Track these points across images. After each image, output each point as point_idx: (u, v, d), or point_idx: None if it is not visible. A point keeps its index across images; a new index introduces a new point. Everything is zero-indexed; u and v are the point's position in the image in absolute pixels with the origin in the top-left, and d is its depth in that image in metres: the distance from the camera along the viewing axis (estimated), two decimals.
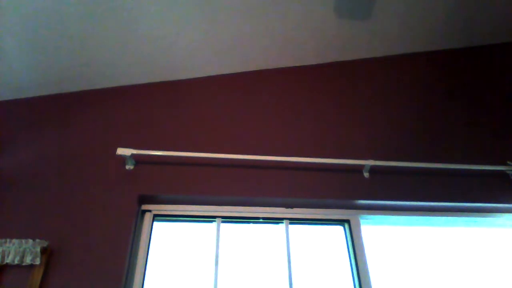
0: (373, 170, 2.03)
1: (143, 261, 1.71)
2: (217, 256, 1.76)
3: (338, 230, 1.98)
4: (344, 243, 1.93)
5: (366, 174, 2.03)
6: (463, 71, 2.55)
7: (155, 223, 1.87)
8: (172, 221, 1.91)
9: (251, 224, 1.94)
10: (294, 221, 1.95)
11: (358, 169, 2.03)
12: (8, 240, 1.58)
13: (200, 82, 2.31)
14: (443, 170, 2.06)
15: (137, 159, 1.92)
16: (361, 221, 1.98)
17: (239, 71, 2.35)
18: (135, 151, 1.86)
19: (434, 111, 2.36)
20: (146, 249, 1.75)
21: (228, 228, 1.90)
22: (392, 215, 2.02)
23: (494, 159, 2.13)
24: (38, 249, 1.57)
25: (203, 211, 1.90)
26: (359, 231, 1.93)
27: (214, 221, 1.89)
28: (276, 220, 1.95)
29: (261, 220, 1.94)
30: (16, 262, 1.53)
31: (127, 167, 1.91)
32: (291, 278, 1.74)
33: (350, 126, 2.23)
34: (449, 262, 1.97)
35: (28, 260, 1.54)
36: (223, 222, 1.90)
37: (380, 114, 2.30)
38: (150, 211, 1.87)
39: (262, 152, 1.99)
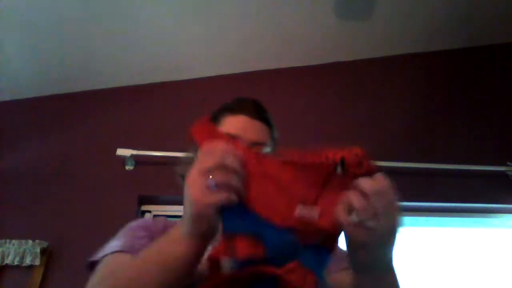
0: None
1: None
2: None
3: None
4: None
5: None
6: (463, 72, 2.55)
7: None
8: None
9: None
10: None
11: None
12: (8, 240, 1.59)
13: (201, 82, 2.31)
14: (443, 171, 2.05)
15: (137, 160, 1.92)
16: None
17: (240, 72, 2.35)
18: (134, 152, 1.86)
19: (434, 112, 2.36)
20: None
21: None
22: None
23: (494, 160, 2.13)
24: (38, 250, 1.57)
25: None
26: None
27: None
28: None
29: None
30: (16, 262, 1.54)
31: (127, 167, 1.91)
32: None
33: (350, 126, 2.23)
34: (449, 262, 1.97)
35: (28, 260, 1.54)
36: None
37: (380, 114, 2.30)
38: (150, 211, 1.87)
39: None
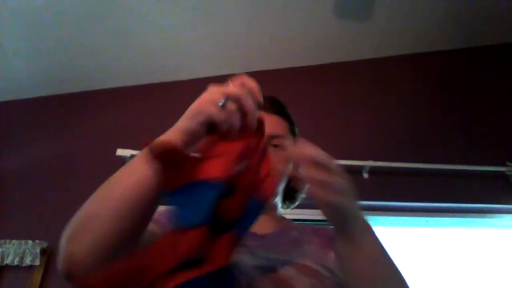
0: (372, 171, 2.03)
1: None
2: None
3: None
4: None
5: (365, 175, 2.03)
6: (463, 72, 2.55)
7: None
8: None
9: None
10: (294, 221, 1.95)
11: (358, 170, 2.03)
12: (7, 241, 1.59)
13: (200, 82, 2.30)
14: (443, 171, 2.06)
15: None
16: None
17: (239, 72, 2.35)
18: (134, 152, 1.86)
19: (434, 112, 2.36)
20: None
21: None
22: (392, 216, 2.02)
23: (494, 160, 2.13)
24: (38, 250, 1.57)
25: None
26: None
27: None
28: None
29: None
30: (15, 263, 1.54)
31: None
32: None
33: (350, 126, 2.23)
34: (449, 263, 1.97)
35: (27, 261, 1.54)
36: None
37: (380, 114, 2.30)
38: None
39: None
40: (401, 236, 2.03)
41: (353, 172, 2.01)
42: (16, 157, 1.94)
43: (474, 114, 2.39)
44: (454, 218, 2.06)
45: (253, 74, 2.32)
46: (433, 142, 2.22)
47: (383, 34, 2.35)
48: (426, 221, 2.06)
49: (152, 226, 0.61)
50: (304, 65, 2.44)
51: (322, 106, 2.30)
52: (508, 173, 2.09)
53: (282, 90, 2.37)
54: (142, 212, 0.50)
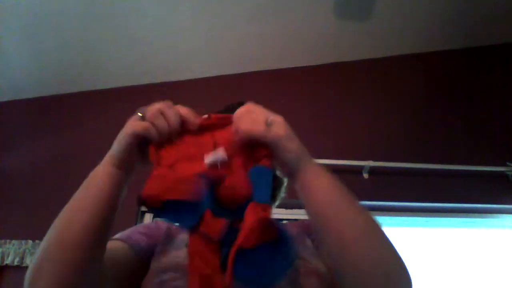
0: (372, 171, 2.03)
1: None
2: None
3: None
4: None
5: (365, 175, 2.03)
6: (463, 72, 2.55)
7: None
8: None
9: None
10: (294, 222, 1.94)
11: (358, 170, 2.03)
12: (7, 241, 1.59)
13: (200, 83, 2.31)
14: (443, 171, 2.06)
15: None
16: None
17: (239, 72, 2.35)
18: None
19: (434, 112, 2.36)
20: None
21: None
22: (392, 216, 2.02)
23: (494, 160, 2.13)
24: None
25: None
26: None
27: None
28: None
29: None
30: (15, 263, 1.54)
31: None
32: None
33: (350, 126, 2.23)
34: (449, 263, 1.97)
35: (28, 261, 1.54)
36: None
37: (380, 114, 2.30)
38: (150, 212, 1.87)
39: None
40: (401, 236, 2.03)
41: (353, 172, 2.01)
42: (16, 157, 1.94)
43: (474, 114, 2.38)
44: (454, 218, 2.06)
45: (252, 74, 2.34)
46: (433, 142, 2.22)
47: (383, 34, 2.35)
48: (426, 221, 2.06)
49: (118, 244, 0.67)
50: (304, 65, 2.44)
51: (322, 106, 2.30)
52: (508, 173, 2.09)
53: (282, 90, 2.38)
54: (105, 237, 0.56)
